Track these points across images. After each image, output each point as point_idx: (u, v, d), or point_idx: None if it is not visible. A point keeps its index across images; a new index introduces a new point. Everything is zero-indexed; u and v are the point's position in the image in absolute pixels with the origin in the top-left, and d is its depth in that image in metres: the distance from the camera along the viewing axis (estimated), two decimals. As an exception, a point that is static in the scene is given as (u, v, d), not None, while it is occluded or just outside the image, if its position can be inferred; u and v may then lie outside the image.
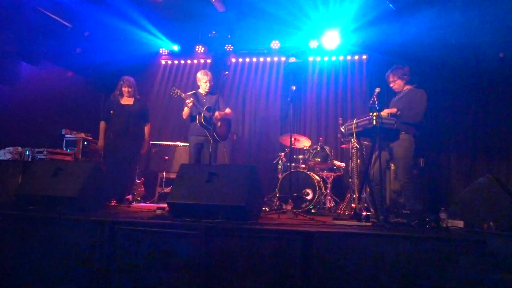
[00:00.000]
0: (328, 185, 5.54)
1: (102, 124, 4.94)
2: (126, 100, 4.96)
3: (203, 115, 4.77)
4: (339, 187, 6.19)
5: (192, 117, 4.92)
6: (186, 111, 4.89)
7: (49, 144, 5.63)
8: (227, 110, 5.07)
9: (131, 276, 2.77)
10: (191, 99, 4.78)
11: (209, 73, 5.09)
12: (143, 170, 6.56)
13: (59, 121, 6.26)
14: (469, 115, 6.13)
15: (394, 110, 4.02)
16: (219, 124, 4.91)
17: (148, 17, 6.56)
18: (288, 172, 5.11)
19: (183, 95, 4.84)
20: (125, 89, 4.93)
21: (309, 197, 5.16)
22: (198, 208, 2.94)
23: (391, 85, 4.42)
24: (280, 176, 5.53)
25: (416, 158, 5.40)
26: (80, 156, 5.92)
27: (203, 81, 5.02)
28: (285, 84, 7.12)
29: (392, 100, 4.53)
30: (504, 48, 5.84)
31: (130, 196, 4.94)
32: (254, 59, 7.40)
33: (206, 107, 4.85)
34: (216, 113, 4.82)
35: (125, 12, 6.22)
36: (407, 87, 4.35)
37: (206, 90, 5.02)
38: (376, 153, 4.10)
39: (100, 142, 4.88)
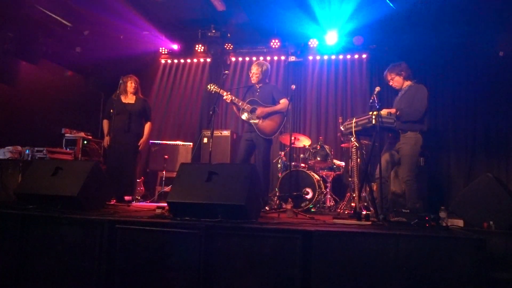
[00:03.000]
0: (328, 184, 5.55)
1: (105, 122, 4.98)
2: (128, 99, 4.98)
3: (243, 109, 4.65)
4: (339, 186, 6.19)
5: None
6: (234, 107, 4.76)
7: (49, 143, 5.63)
8: (282, 101, 4.69)
9: (131, 275, 2.77)
10: (228, 93, 4.64)
11: (261, 63, 4.86)
12: (143, 169, 6.56)
13: (59, 120, 6.27)
14: (469, 114, 6.13)
15: (393, 110, 4.01)
16: (261, 120, 4.62)
17: (147, 16, 6.55)
18: (288, 171, 5.11)
19: (219, 91, 4.69)
20: (130, 84, 4.94)
21: (309, 196, 5.15)
22: (198, 207, 2.94)
23: (390, 83, 4.42)
24: (280, 175, 5.53)
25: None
26: (79, 155, 5.92)
27: (251, 72, 4.82)
28: (285, 83, 7.12)
29: (394, 99, 4.53)
30: (504, 47, 5.84)
31: (130, 197, 4.94)
32: (254, 58, 7.38)
33: (249, 100, 4.69)
34: (258, 111, 4.61)
35: (125, 10, 6.21)
36: (407, 83, 4.34)
37: (255, 81, 4.82)
38: (383, 151, 4.13)
39: (106, 138, 4.91)
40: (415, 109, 4.08)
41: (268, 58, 7.32)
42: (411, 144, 4.06)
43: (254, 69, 4.80)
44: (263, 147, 4.62)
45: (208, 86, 4.86)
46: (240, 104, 4.66)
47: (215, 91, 4.73)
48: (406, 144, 4.08)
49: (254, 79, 4.82)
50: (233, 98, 4.66)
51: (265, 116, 4.65)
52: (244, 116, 4.68)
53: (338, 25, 6.48)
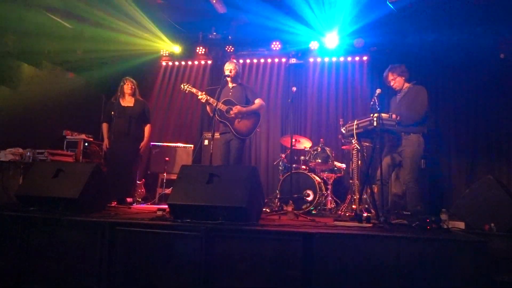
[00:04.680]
0: (329, 186, 5.54)
1: (105, 126, 5.01)
2: (127, 102, 4.99)
3: (218, 109, 4.55)
4: (340, 188, 6.18)
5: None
6: (207, 107, 4.66)
7: (50, 145, 5.63)
8: (256, 102, 4.70)
9: (132, 277, 2.77)
10: (203, 93, 4.58)
11: (233, 62, 4.85)
12: (143, 171, 6.57)
13: (60, 122, 6.28)
14: (470, 116, 6.12)
15: (393, 116, 4.02)
16: (238, 119, 4.60)
17: (148, 18, 6.56)
18: (289, 173, 5.10)
19: (194, 90, 4.66)
20: (127, 87, 4.97)
21: (309, 198, 5.15)
22: (199, 209, 2.94)
23: (391, 83, 4.42)
24: (280, 177, 5.52)
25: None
26: (80, 157, 5.92)
27: (227, 70, 4.75)
28: (285, 85, 7.12)
29: (392, 99, 4.53)
30: (505, 49, 5.84)
31: (131, 199, 4.95)
32: (255, 60, 7.40)
33: (224, 100, 4.61)
34: (235, 109, 4.56)
35: (126, 13, 6.23)
36: (407, 85, 4.36)
37: (230, 78, 4.77)
38: (384, 154, 4.12)
39: (106, 141, 4.92)
40: (416, 111, 4.10)
41: (269, 60, 7.33)
42: (414, 146, 4.07)
43: (231, 66, 4.76)
44: (236, 145, 4.60)
45: (182, 86, 4.79)
46: (215, 104, 4.56)
47: (189, 91, 4.67)
48: (409, 147, 4.09)
49: (231, 75, 4.74)
50: (208, 98, 4.59)
51: (241, 116, 4.62)
52: (219, 116, 4.60)
53: (339, 28, 6.49)
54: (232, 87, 4.81)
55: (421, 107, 4.11)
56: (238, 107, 4.60)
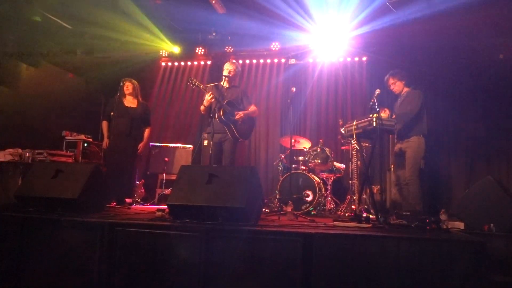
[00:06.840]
0: (328, 187, 5.54)
1: (105, 124, 4.98)
2: (130, 103, 4.99)
3: (223, 110, 4.50)
4: (339, 188, 6.18)
5: (211, 112, 4.53)
6: (205, 104, 4.53)
7: (49, 145, 5.62)
8: (251, 108, 4.79)
9: (131, 278, 2.77)
10: (211, 93, 4.48)
11: (234, 63, 4.82)
12: (143, 172, 6.56)
13: (59, 122, 6.27)
14: (469, 116, 6.13)
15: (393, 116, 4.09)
16: (240, 121, 4.63)
17: (148, 18, 6.56)
18: (288, 173, 5.10)
19: (201, 87, 4.57)
20: (126, 88, 4.96)
21: (309, 199, 5.15)
22: (198, 210, 2.94)
23: (392, 87, 4.50)
24: (280, 177, 5.52)
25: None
26: (80, 157, 5.92)
27: (226, 70, 4.70)
28: (285, 86, 7.12)
29: (394, 105, 4.59)
30: (504, 49, 5.84)
31: (130, 199, 4.94)
32: (254, 61, 7.40)
33: (227, 101, 4.59)
34: (240, 114, 4.58)
35: (125, 13, 6.22)
36: (406, 89, 4.47)
37: (229, 78, 4.69)
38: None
39: (105, 140, 4.91)
40: (407, 111, 4.23)
41: (269, 60, 7.33)
42: (414, 147, 4.18)
43: (231, 68, 4.73)
44: (230, 147, 4.62)
45: (190, 80, 4.58)
46: (221, 102, 4.51)
47: (197, 86, 4.54)
48: (409, 148, 4.20)
49: (230, 76, 4.70)
50: (216, 97, 4.51)
51: (243, 120, 4.66)
52: (222, 114, 4.52)
53: (338, 28, 6.49)
54: (228, 87, 4.77)
55: (413, 109, 4.22)
56: (241, 112, 4.65)
